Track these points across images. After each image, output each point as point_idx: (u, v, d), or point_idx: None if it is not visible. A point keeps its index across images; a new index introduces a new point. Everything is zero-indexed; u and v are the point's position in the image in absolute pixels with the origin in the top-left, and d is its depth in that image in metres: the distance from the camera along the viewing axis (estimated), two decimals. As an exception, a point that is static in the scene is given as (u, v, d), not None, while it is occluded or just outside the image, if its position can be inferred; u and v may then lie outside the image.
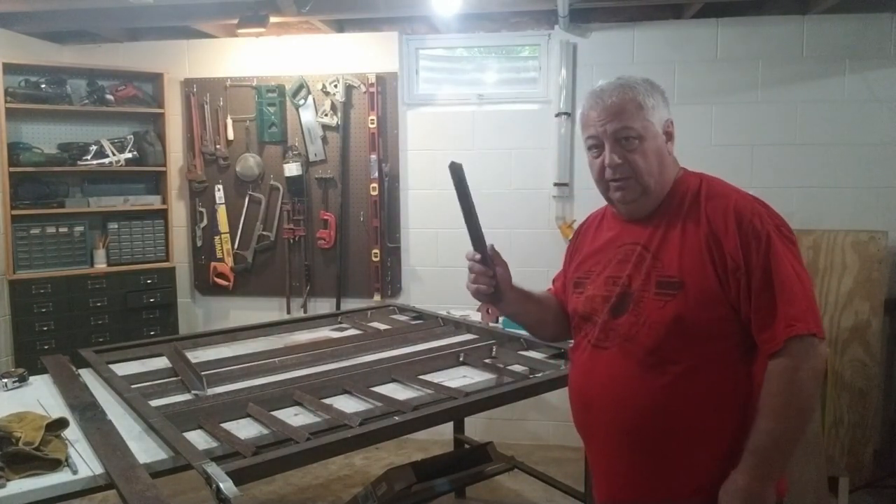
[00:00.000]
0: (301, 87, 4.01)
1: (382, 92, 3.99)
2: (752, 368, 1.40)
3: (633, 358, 1.43)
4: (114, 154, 3.93)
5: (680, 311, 1.38)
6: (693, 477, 1.40)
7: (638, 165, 1.44)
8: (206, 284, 4.24)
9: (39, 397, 2.14)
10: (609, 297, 1.49)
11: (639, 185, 1.46)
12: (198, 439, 1.79)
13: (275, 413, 1.97)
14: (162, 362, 2.55)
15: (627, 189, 1.47)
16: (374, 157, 3.98)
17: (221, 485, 1.47)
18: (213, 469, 1.54)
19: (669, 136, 1.49)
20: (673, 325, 1.38)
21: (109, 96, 3.92)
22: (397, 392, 2.18)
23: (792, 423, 1.33)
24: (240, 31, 3.74)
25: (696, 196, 1.46)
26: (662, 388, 1.40)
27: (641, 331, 1.42)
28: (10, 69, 3.65)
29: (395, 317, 3.33)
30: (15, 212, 3.68)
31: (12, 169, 3.64)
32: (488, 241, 1.64)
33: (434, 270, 4.09)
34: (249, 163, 4.10)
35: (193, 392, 2.16)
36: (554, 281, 1.81)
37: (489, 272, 1.64)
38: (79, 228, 3.89)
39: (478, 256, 1.63)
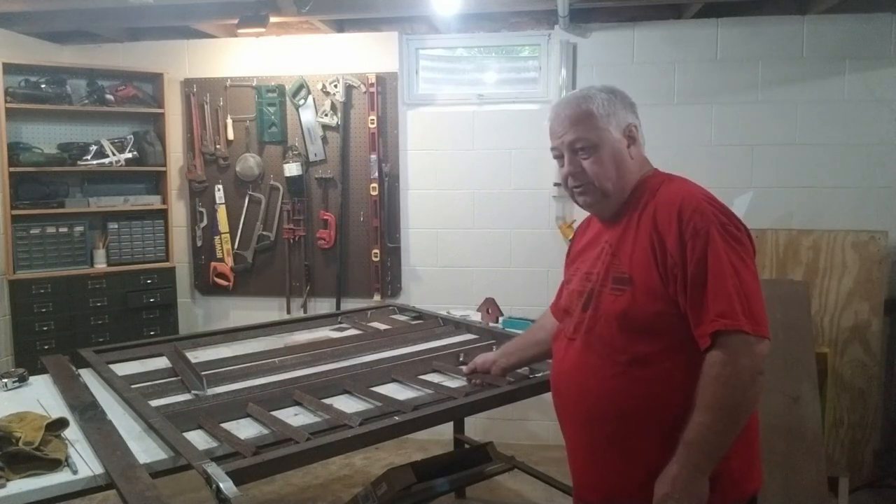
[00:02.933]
0: (301, 87, 4.01)
1: (382, 92, 3.99)
2: (700, 361, 1.42)
3: (591, 349, 1.54)
4: (114, 154, 3.93)
5: (628, 305, 1.47)
6: (644, 465, 1.45)
7: (594, 172, 1.54)
8: (206, 284, 4.24)
9: (39, 397, 2.14)
10: (582, 292, 1.60)
11: (598, 190, 1.56)
12: (198, 439, 1.79)
13: (275, 413, 1.97)
14: (162, 362, 2.55)
15: (587, 193, 1.58)
16: (374, 157, 3.98)
17: (221, 485, 1.47)
18: (213, 469, 1.54)
19: (632, 139, 1.57)
20: (622, 318, 1.47)
21: (109, 96, 3.92)
22: (397, 392, 2.17)
23: (720, 417, 1.35)
24: (240, 31, 3.74)
25: (652, 195, 1.53)
26: (613, 379, 1.48)
27: (599, 323, 1.52)
28: (10, 69, 3.64)
29: (395, 317, 3.33)
30: (15, 212, 3.68)
31: (12, 169, 3.64)
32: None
33: (434, 270, 4.09)
34: (249, 163, 4.10)
35: (193, 392, 2.16)
36: (558, 294, 1.89)
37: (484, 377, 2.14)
38: (79, 228, 3.89)
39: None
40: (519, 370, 2.39)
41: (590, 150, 1.54)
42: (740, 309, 1.35)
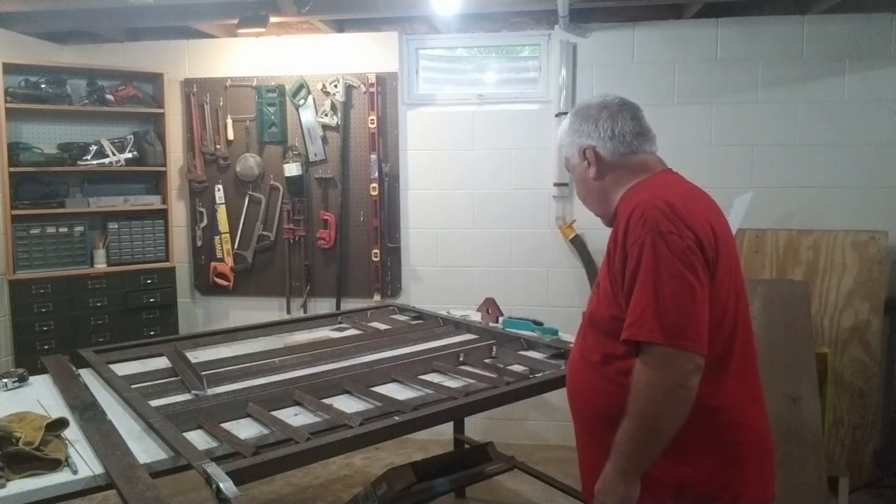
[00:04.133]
0: (301, 87, 4.01)
1: (382, 92, 3.99)
2: None
3: (578, 348, 1.62)
4: (114, 154, 3.93)
5: (594, 308, 1.55)
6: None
7: (577, 193, 1.72)
8: (206, 284, 4.24)
9: (39, 397, 2.14)
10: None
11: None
12: (198, 439, 1.79)
13: (275, 413, 1.97)
14: (162, 362, 2.55)
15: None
16: (374, 157, 3.98)
17: (221, 485, 1.47)
18: (213, 469, 1.54)
19: (589, 162, 1.60)
20: (591, 319, 1.56)
21: (109, 96, 3.92)
22: (397, 392, 2.18)
23: (638, 425, 1.37)
24: (240, 31, 3.74)
25: (629, 205, 1.54)
26: (591, 378, 1.54)
27: (583, 323, 1.61)
28: (10, 69, 3.64)
29: (395, 317, 3.33)
30: (15, 212, 3.68)
31: (12, 169, 3.64)
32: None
33: (434, 270, 4.09)
34: (249, 163, 4.10)
35: (193, 392, 2.16)
36: None
37: None
38: (79, 228, 3.89)
39: None
40: (519, 370, 2.39)
41: (570, 171, 1.69)
42: (654, 319, 1.33)
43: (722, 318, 1.42)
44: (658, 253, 1.35)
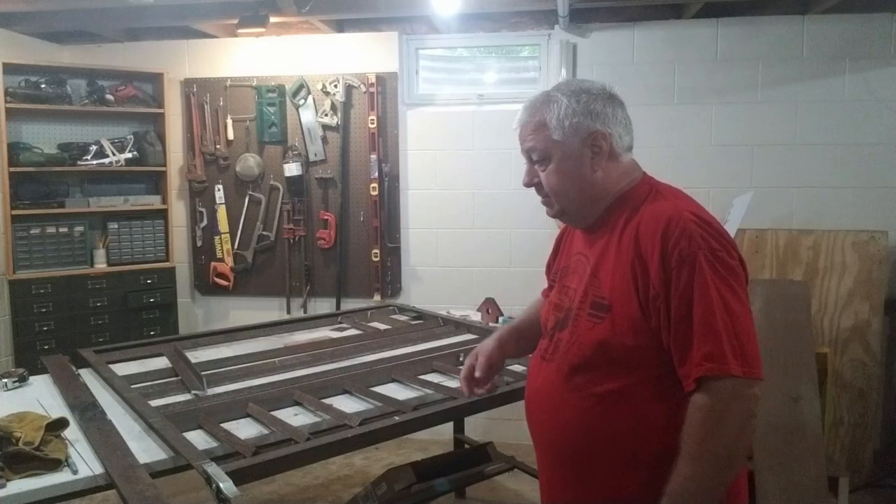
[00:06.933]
0: (301, 87, 4.01)
1: (382, 92, 3.99)
2: (684, 398, 1.26)
3: (562, 375, 1.39)
4: (114, 154, 3.93)
5: (605, 335, 1.32)
6: (610, 500, 1.35)
7: (549, 186, 1.42)
8: (206, 284, 4.24)
9: (39, 397, 2.14)
10: (560, 307, 1.46)
11: (556, 205, 1.44)
12: (198, 439, 1.79)
13: (275, 413, 1.97)
14: (162, 362, 2.55)
15: (548, 206, 1.47)
16: (374, 157, 3.98)
17: (221, 485, 1.47)
18: (213, 469, 1.54)
19: (597, 150, 1.38)
20: (598, 348, 1.32)
21: (109, 96, 3.92)
22: (397, 392, 2.18)
23: (708, 468, 1.20)
24: (240, 31, 3.74)
25: (635, 211, 1.36)
26: (585, 410, 1.34)
27: (572, 350, 1.37)
28: (10, 69, 3.64)
29: (395, 317, 3.33)
30: (15, 212, 3.68)
31: (12, 169, 3.64)
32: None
33: (434, 270, 4.09)
34: (249, 163, 4.10)
35: (193, 392, 2.16)
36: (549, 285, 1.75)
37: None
38: (79, 228, 3.89)
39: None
40: (519, 370, 2.39)
41: (544, 161, 1.42)
42: (730, 350, 1.20)
43: None
44: (716, 273, 1.22)
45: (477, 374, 1.64)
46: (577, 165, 1.39)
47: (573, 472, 1.39)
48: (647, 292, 1.27)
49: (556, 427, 1.41)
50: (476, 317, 3.10)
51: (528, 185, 1.48)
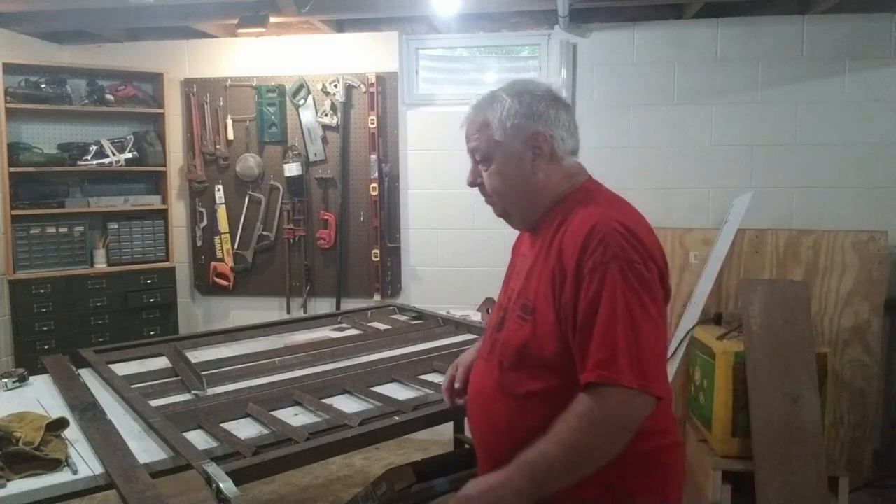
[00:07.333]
0: (301, 87, 4.01)
1: (382, 92, 3.99)
2: None
3: (495, 375, 1.40)
4: (114, 154, 3.94)
5: (527, 338, 1.33)
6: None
7: (491, 187, 1.44)
8: (206, 284, 4.24)
9: (39, 397, 2.14)
10: (500, 307, 1.48)
11: (499, 206, 1.46)
12: (198, 439, 1.79)
13: (275, 413, 1.97)
14: (162, 362, 2.54)
15: (493, 206, 1.49)
16: (374, 157, 3.98)
17: (221, 485, 1.47)
18: (213, 469, 1.54)
19: (538, 152, 1.37)
20: (521, 350, 1.34)
21: (109, 96, 3.93)
22: (397, 392, 2.17)
23: (566, 457, 1.21)
24: (240, 31, 3.74)
25: (567, 216, 1.35)
26: (512, 410, 1.36)
27: (504, 351, 1.39)
28: (10, 69, 3.65)
29: (395, 317, 3.32)
30: (15, 212, 3.69)
31: (12, 169, 3.65)
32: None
33: (434, 270, 4.09)
34: (249, 163, 4.10)
35: (193, 392, 2.16)
36: None
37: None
38: (79, 228, 3.89)
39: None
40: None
41: (487, 161, 1.42)
42: (626, 361, 1.18)
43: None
44: (627, 285, 1.20)
45: (457, 385, 1.71)
46: (518, 166, 1.39)
47: (499, 467, 1.38)
48: (561, 299, 1.27)
49: (489, 426, 1.43)
50: (476, 317, 3.10)
51: (471, 184, 1.50)
